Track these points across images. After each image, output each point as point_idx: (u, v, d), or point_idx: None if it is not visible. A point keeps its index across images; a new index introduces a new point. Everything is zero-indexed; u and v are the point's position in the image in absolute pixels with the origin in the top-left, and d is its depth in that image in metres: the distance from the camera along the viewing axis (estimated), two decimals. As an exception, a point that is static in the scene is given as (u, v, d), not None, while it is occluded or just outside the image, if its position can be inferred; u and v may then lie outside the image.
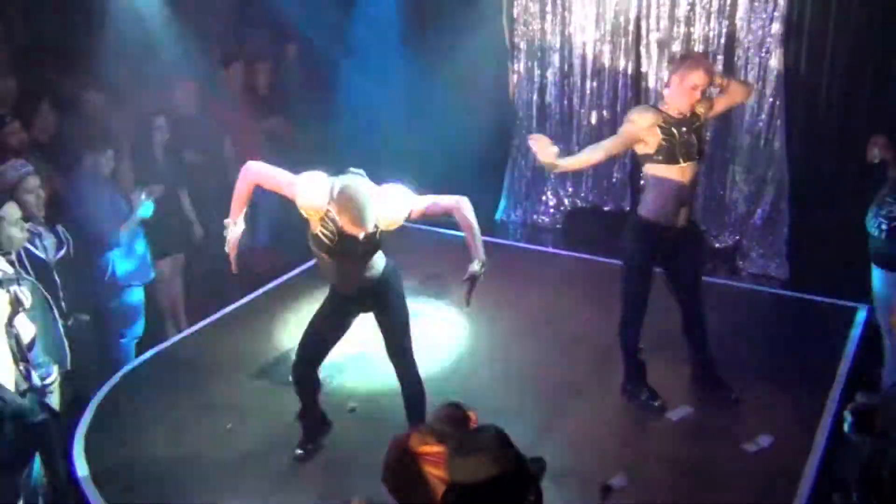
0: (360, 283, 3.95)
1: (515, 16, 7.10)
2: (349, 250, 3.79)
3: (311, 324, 4.17)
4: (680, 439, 4.41)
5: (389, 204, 3.72)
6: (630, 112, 4.43)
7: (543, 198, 7.53)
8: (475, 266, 3.77)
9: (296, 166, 6.74)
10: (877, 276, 4.58)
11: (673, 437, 4.43)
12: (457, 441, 2.11)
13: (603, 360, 5.17)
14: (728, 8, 6.27)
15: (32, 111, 5.21)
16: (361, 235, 3.64)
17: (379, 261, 3.98)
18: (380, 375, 5.02)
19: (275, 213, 7.08)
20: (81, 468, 4.26)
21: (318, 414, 4.37)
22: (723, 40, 6.36)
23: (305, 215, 3.83)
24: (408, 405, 4.10)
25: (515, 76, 7.29)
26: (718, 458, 4.24)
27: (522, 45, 7.18)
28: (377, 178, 3.79)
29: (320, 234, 3.81)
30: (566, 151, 7.22)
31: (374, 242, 3.85)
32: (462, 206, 3.87)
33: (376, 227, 3.74)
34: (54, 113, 5.28)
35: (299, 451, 4.31)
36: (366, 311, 4.09)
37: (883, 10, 5.57)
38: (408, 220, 3.83)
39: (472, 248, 3.83)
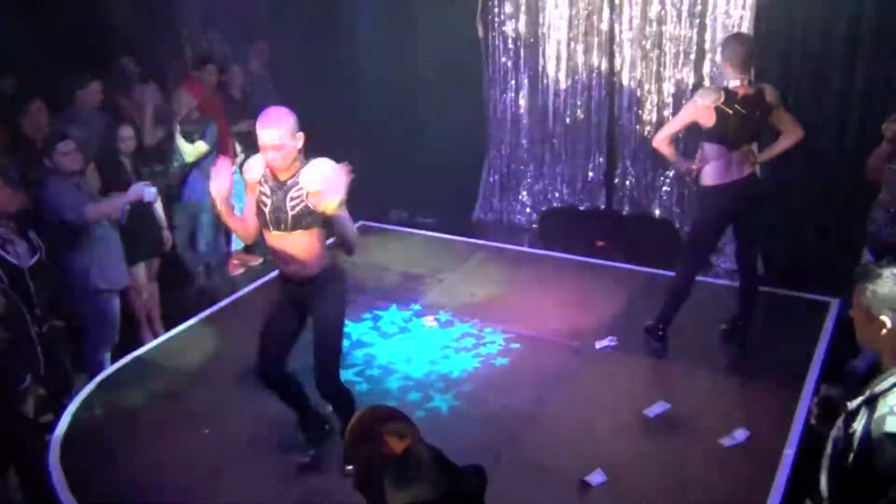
0: (300, 269, 3.93)
1: (490, 16, 7.15)
2: (282, 220, 3.80)
3: (265, 320, 4.14)
4: (656, 435, 4.48)
5: (330, 177, 3.69)
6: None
7: (519, 197, 7.59)
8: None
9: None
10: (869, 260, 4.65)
11: (649, 433, 4.49)
12: (392, 472, 2.08)
13: (580, 357, 5.25)
14: (699, 7, 6.36)
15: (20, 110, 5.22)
16: (290, 200, 3.71)
17: (323, 253, 3.96)
18: (370, 378, 5.09)
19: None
20: (57, 476, 4.24)
21: (311, 411, 4.33)
22: (694, 39, 6.45)
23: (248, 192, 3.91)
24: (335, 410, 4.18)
25: (489, 75, 7.34)
26: (695, 452, 4.31)
27: (496, 45, 7.23)
28: (355, 176, 3.79)
29: (259, 204, 3.84)
30: (540, 150, 7.38)
31: (310, 219, 3.80)
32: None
33: (307, 199, 3.73)
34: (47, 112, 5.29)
35: (305, 458, 4.29)
36: (307, 303, 4.03)
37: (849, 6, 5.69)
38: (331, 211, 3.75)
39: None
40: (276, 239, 3.90)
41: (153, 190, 5.05)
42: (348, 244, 4.01)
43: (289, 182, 3.77)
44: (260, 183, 3.84)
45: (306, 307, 4.03)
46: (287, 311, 4.08)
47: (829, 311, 5.60)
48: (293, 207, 3.77)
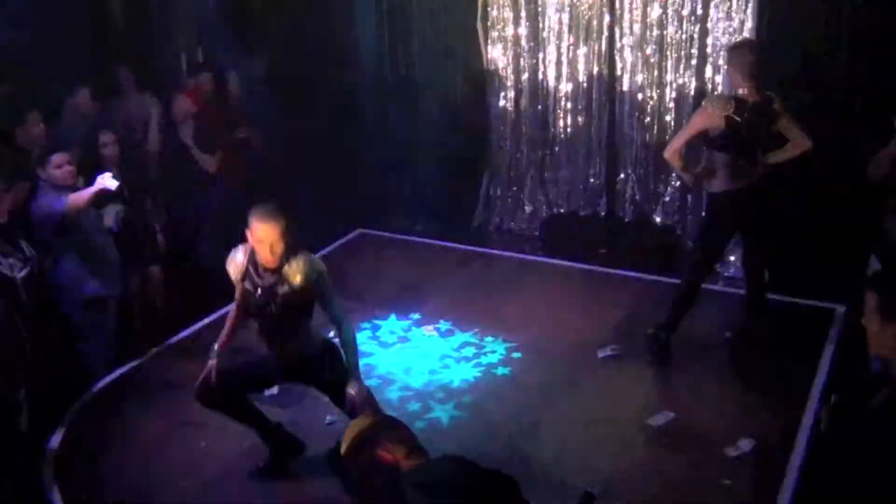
0: (294, 351, 4.03)
1: (490, 20, 7.13)
2: (280, 312, 3.91)
3: (245, 361, 4.19)
4: (660, 445, 4.44)
5: (303, 260, 3.87)
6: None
7: (520, 204, 7.56)
8: (352, 389, 3.90)
9: (268, 173, 6.72)
10: (875, 268, 4.60)
11: (653, 443, 4.46)
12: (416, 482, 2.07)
13: (582, 365, 5.21)
14: (700, 12, 6.34)
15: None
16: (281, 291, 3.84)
17: (314, 333, 4.08)
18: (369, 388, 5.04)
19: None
20: (51, 489, 4.20)
21: (270, 431, 4.31)
22: (696, 44, 6.43)
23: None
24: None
25: (489, 80, 7.32)
26: (699, 463, 4.26)
27: (497, 50, 7.21)
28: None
29: (245, 295, 3.96)
30: (541, 156, 7.35)
31: (298, 307, 3.92)
32: (348, 328, 4.00)
33: (292, 284, 3.85)
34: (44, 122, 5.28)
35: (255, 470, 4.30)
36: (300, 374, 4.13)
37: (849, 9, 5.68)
38: (309, 288, 3.89)
39: (350, 368, 3.97)
40: (263, 330, 4.02)
41: (113, 181, 4.91)
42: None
43: (275, 273, 3.87)
44: (244, 277, 3.94)
45: (297, 376, 4.13)
46: (272, 369, 4.12)
47: (835, 319, 5.57)
48: (278, 297, 3.87)
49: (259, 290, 3.90)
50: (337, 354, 4.06)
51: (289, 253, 3.85)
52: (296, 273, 3.85)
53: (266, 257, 3.82)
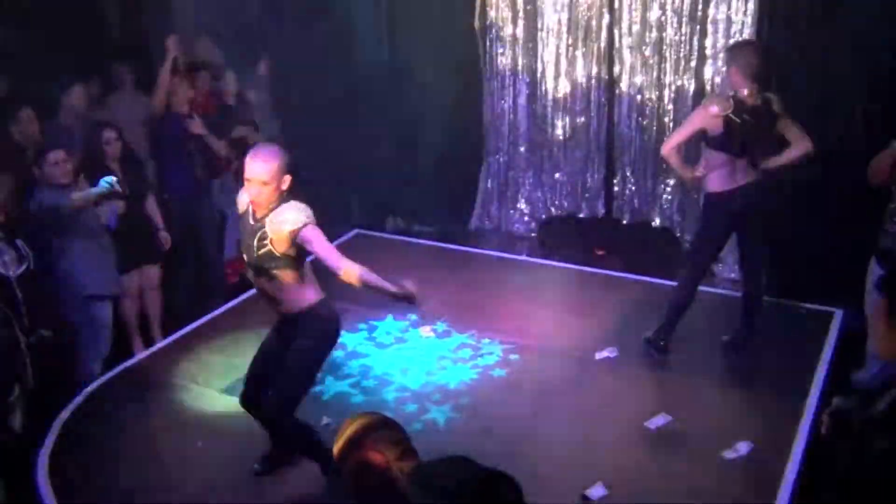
0: (279, 307, 3.94)
1: (489, 20, 7.13)
2: (259, 264, 3.80)
3: (260, 346, 4.17)
4: (658, 447, 4.43)
5: (285, 211, 3.70)
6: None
7: (518, 205, 7.56)
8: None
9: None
10: (878, 274, 4.57)
11: (651, 445, 4.45)
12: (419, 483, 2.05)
13: (579, 368, 5.20)
14: (700, 13, 6.34)
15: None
16: (258, 242, 3.70)
17: (303, 293, 3.90)
18: (365, 389, 5.04)
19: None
20: (45, 490, 4.18)
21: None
22: (695, 45, 6.43)
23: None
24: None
25: (487, 81, 7.31)
26: (697, 465, 4.26)
27: (495, 50, 7.21)
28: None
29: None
30: (539, 157, 7.35)
31: (279, 261, 3.77)
32: (349, 275, 3.74)
33: (271, 245, 3.71)
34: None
35: (256, 466, 4.26)
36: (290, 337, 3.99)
37: (852, 12, 5.67)
38: (295, 243, 3.72)
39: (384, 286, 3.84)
40: (251, 275, 3.93)
41: (110, 179, 4.86)
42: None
43: (260, 222, 3.75)
44: (242, 216, 3.88)
45: (289, 340, 3.98)
46: (272, 339, 4.08)
47: (833, 322, 5.57)
48: (258, 249, 3.75)
49: (245, 235, 3.82)
50: (307, 329, 3.88)
51: (280, 202, 3.69)
52: (275, 223, 3.67)
53: (257, 199, 3.68)
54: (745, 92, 4.70)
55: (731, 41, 6.00)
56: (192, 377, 5.27)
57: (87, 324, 5.09)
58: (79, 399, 4.99)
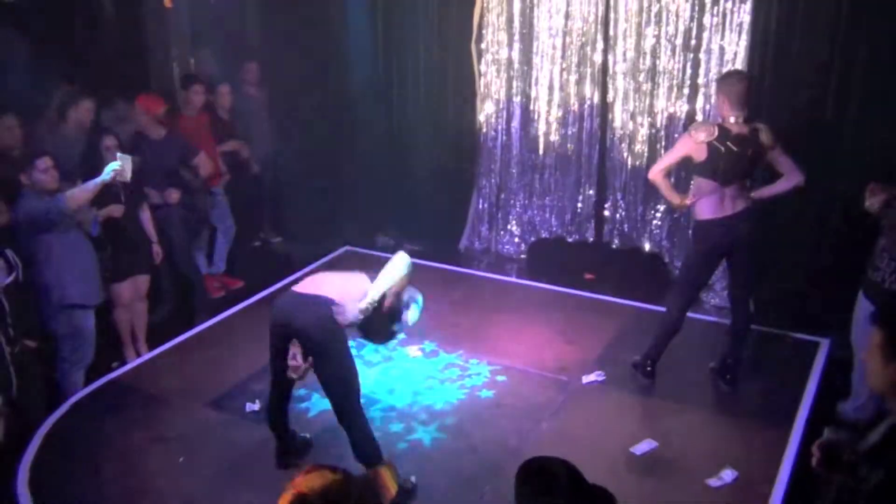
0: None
1: (484, 43, 7.21)
2: None
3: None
4: (643, 473, 4.45)
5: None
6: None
7: (508, 227, 7.61)
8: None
9: (255, 188, 6.72)
10: (866, 307, 4.61)
11: (636, 471, 4.47)
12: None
13: (566, 391, 5.23)
14: (694, 41, 6.44)
15: None
16: None
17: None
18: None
19: (233, 239, 7.10)
20: (25, 501, 4.16)
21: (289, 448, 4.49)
22: (688, 73, 6.52)
23: None
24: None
25: (481, 102, 7.38)
26: (682, 492, 4.28)
27: (490, 72, 7.28)
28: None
29: None
30: (530, 180, 7.41)
31: None
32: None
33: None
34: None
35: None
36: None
37: (843, 42, 5.77)
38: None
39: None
40: None
41: (124, 161, 4.94)
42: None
43: None
44: None
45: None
46: (277, 356, 4.16)
47: (819, 351, 5.62)
48: None
49: None
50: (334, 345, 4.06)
51: None
52: None
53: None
54: (732, 120, 4.77)
55: (724, 70, 6.10)
56: (176, 391, 5.26)
57: (69, 333, 5.08)
58: (61, 410, 4.98)
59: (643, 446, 4.63)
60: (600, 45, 6.81)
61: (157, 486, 4.34)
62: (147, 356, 5.73)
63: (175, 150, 6.14)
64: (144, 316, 5.81)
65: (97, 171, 5.06)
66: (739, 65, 6.16)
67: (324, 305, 3.99)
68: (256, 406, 5.01)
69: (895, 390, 2.30)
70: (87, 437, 4.75)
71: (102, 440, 4.72)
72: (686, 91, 6.56)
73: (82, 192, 4.85)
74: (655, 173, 4.99)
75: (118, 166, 4.90)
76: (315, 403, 5.07)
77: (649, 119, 6.77)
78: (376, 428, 4.71)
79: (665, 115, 6.70)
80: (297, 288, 4.16)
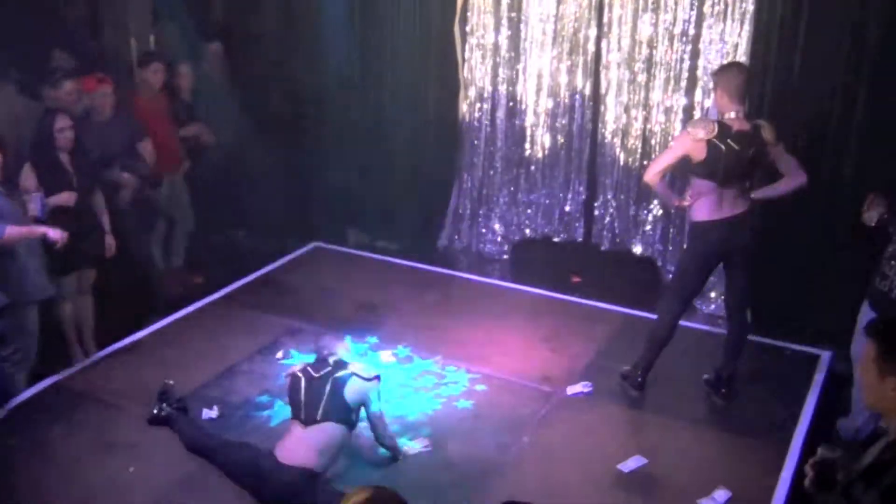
0: None
1: (469, 26, 7.18)
2: None
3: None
4: (631, 492, 4.46)
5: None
6: None
7: (490, 225, 7.59)
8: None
9: (219, 175, 6.63)
10: (870, 318, 4.64)
11: (624, 490, 4.47)
12: None
13: (550, 403, 5.23)
14: (693, 32, 6.45)
15: None
16: None
17: None
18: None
19: (192, 232, 7.03)
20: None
21: None
22: (686, 65, 6.54)
23: None
24: None
25: (464, 91, 7.36)
26: (672, 513, 4.30)
27: (474, 58, 7.26)
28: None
29: None
30: (515, 175, 7.40)
31: None
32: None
33: None
34: None
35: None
36: None
37: (852, 37, 5.80)
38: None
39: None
40: None
41: (33, 202, 4.97)
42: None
43: None
44: None
45: None
46: None
47: (819, 365, 5.66)
48: None
49: None
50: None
51: None
52: None
53: None
54: (732, 115, 4.78)
55: (724, 62, 6.11)
56: (127, 395, 5.20)
57: (10, 332, 4.99)
58: (1, 414, 4.90)
59: (631, 463, 4.63)
60: (594, 32, 6.80)
61: (103, 497, 4.29)
62: (94, 357, 5.65)
63: (122, 133, 6.08)
64: (91, 312, 5.71)
65: (50, 155, 5.02)
66: (741, 57, 6.18)
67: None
68: (214, 413, 4.96)
69: (891, 407, 2.30)
70: (28, 445, 4.68)
71: (46, 448, 4.66)
72: (683, 83, 6.58)
73: (17, 233, 4.82)
74: (651, 176, 4.96)
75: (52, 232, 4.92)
76: (277, 412, 5.01)
77: (644, 112, 6.77)
78: (344, 439, 4.69)
79: (661, 108, 6.70)
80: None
